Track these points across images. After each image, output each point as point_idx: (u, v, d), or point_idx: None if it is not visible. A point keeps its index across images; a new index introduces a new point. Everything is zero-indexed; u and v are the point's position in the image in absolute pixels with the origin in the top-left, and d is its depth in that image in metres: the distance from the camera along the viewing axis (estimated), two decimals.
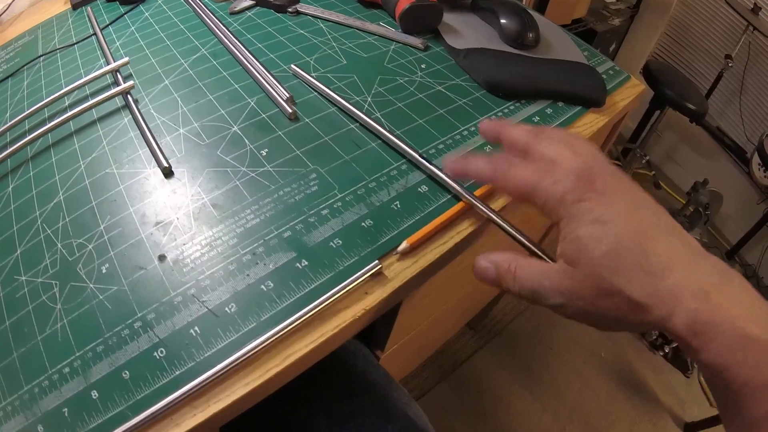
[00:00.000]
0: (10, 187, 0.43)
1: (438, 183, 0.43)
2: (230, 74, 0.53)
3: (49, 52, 0.59)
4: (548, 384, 1.28)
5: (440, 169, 0.43)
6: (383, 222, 0.40)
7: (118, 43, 0.58)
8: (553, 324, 1.41)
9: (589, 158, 0.28)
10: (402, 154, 0.45)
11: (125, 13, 0.64)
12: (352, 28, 0.62)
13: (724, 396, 0.23)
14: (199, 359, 0.31)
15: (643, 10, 1.87)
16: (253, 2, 0.65)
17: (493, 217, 0.39)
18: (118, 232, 0.38)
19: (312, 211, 0.40)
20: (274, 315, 0.33)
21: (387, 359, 0.59)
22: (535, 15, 0.63)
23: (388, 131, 0.46)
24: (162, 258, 0.36)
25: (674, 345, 1.37)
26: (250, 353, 0.31)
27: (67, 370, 0.31)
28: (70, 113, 0.47)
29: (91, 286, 0.35)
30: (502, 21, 0.60)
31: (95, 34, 0.60)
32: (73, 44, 0.60)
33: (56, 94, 0.50)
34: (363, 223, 0.39)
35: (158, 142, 0.44)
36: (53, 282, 0.35)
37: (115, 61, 0.53)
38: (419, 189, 0.42)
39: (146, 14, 0.64)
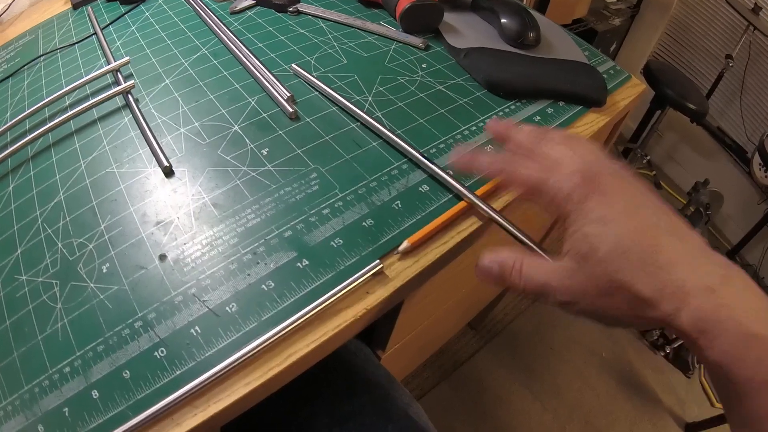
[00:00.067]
0: (11, 186, 0.43)
1: (439, 182, 0.43)
2: (231, 74, 0.53)
3: (49, 52, 0.59)
4: (548, 383, 1.28)
5: (441, 169, 0.43)
6: (384, 221, 0.39)
7: (118, 43, 0.58)
8: (553, 324, 1.41)
9: (592, 158, 0.29)
10: (403, 154, 0.45)
11: (126, 13, 0.64)
12: (352, 27, 0.62)
13: (729, 393, 0.23)
14: (199, 359, 0.31)
15: (644, 10, 1.87)
16: (254, 2, 0.65)
17: (495, 216, 0.39)
18: (119, 232, 0.38)
19: (313, 211, 0.40)
20: (275, 314, 0.33)
21: (388, 359, 0.59)
22: (536, 14, 0.63)
23: (388, 130, 0.46)
24: (163, 257, 0.36)
25: (675, 345, 1.37)
26: (251, 353, 0.31)
27: (67, 369, 0.31)
28: (70, 113, 0.47)
29: (92, 285, 0.35)
30: (503, 20, 0.60)
31: (96, 33, 0.60)
32: (74, 44, 0.60)
33: (57, 94, 0.50)
34: (364, 223, 0.39)
35: (159, 142, 0.44)
36: (54, 281, 0.35)
37: (115, 61, 0.53)
38: (420, 188, 0.42)
39: (147, 14, 0.64)
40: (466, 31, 0.62)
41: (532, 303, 1.44)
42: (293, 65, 0.53)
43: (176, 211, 0.39)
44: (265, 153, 0.44)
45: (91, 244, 0.37)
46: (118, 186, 0.41)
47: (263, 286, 0.35)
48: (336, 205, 0.40)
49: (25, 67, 0.58)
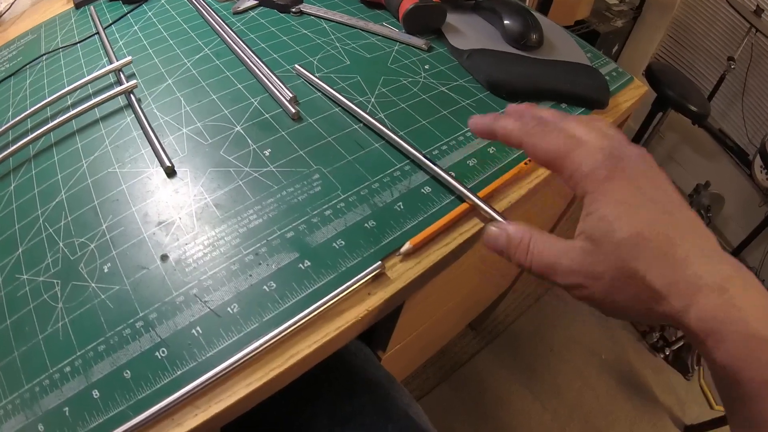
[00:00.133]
0: (12, 185, 0.43)
1: (441, 184, 0.43)
2: (233, 74, 0.53)
3: (51, 51, 0.59)
4: (549, 383, 1.28)
5: (444, 170, 0.42)
6: (386, 223, 0.39)
7: (120, 43, 0.58)
8: (554, 324, 1.41)
9: (617, 140, 0.27)
10: (405, 155, 0.45)
11: (128, 13, 0.64)
12: (355, 28, 0.62)
13: (733, 394, 0.23)
14: (200, 359, 0.31)
15: (646, 12, 1.86)
16: (257, 2, 0.65)
17: (497, 218, 0.39)
18: (120, 232, 0.38)
19: (315, 212, 0.40)
20: (276, 315, 0.33)
21: (388, 359, 0.59)
22: (538, 16, 0.63)
23: (391, 132, 0.46)
24: (164, 258, 0.36)
25: (675, 347, 1.37)
26: (253, 353, 0.31)
27: (68, 369, 0.31)
28: (72, 112, 0.47)
29: (93, 285, 0.35)
30: (506, 22, 0.60)
31: (98, 33, 0.60)
32: (76, 43, 0.60)
33: (59, 93, 0.50)
34: (366, 224, 0.39)
35: (161, 142, 0.44)
36: (55, 281, 0.35)
37: (117, 61, 0.53)
38: (422, 190, 0.42)
39: (149, 13, 0.64)
40: (469, 32, 0.62)
41: (535, 302, 1.44)
42: (296, 66, 0.53)
43: (178, 212, 0.39)
44: (268, 154, 0.44)
45: (92, 243, 0.37)
46: (120, 186, 0.41)
47: (265, 286, 0.35)
48: (338, 206, 0.40)
49: (27, 66, 0.58)
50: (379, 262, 0.36)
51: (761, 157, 1.33)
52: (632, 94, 0.59)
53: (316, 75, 0.52)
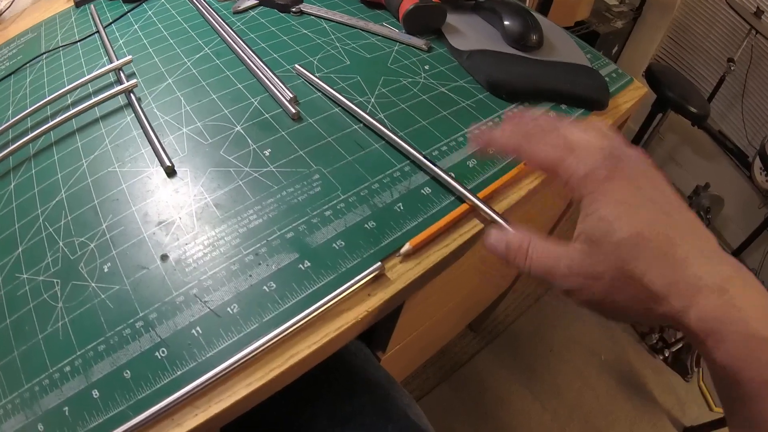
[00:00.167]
0: (12, 184, 0.43)
1: (441, 185, 0.43)
2: (233, 74, 0.53)
3: (51, 50, 0.59)
4: (549, 384, 1.28)
5: (444, 171, 0.43)
6: (386, 224, 0.39)
7: (121, 42, 0.58)
8: (554, 324, 1.41)
9: (616, 140, 0.27)
10: (405, 156, 0.45)
11: (128, 12, 0.64)
12: (355, 28, 0.62)
13: (733, 394, 0.23)
14: (200, 359, 0.31)
15: (646, 13, 1.86)
16: (257, 1, 0.65)
17: (497, 218, 0.39)
18: (120, 231, 0.38)
19: (315, 212, 0.40)
20: (276, 316, 0.33)
21: (388, 360, 0.59)
22: (538, 17, 0.63)
23: (391, 132, 0.46)
24: (164, 257, 0.36)
25: (674, 349, 1.37)
26: (252, 354, 0.31)
27: (68, 368, 0.31)
28: (72, 111, 0.47)
29: (93, 285, 0.35)
30: (506, 23, 0.60)
31: (98, 32, 0.60)
32: (76, 42, 0.60)
33: (59, 92, 0.50)
34: (366, 225, 0.39)
35: (161, 141, 0.44)
36: (55, 280, 0.35)
37: (118, 60, 0.53)
38: (422, 191, 0.42)
39: (149, 12, 0.64)
40: (469, 32, 0.62)
41: (535, 302, 1.44)
42: (296, 66, 0.53)
43: (178, 211, 0.39)
44: (268, 154, 0.44)
45: (92, 243, 0.37)
46: (120, 185, 0.41)
47: (265, 287, 0.35)
48: (338, 207, 0.40)
49: (28, 64, 0.58)
50: (379, 262, 0.36)
51: (761, 158, 1.33)
52: (632, 95, 0.59)
53: (316, 75, 0.52)
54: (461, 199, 0.42)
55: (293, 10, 0.64)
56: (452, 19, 0.63)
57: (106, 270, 0.36)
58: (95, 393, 0.30)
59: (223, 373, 0.30)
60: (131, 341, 0.32)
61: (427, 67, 0.57)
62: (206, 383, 0.30)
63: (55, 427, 0.29)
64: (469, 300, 0.85)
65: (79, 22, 0.64)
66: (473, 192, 0.41)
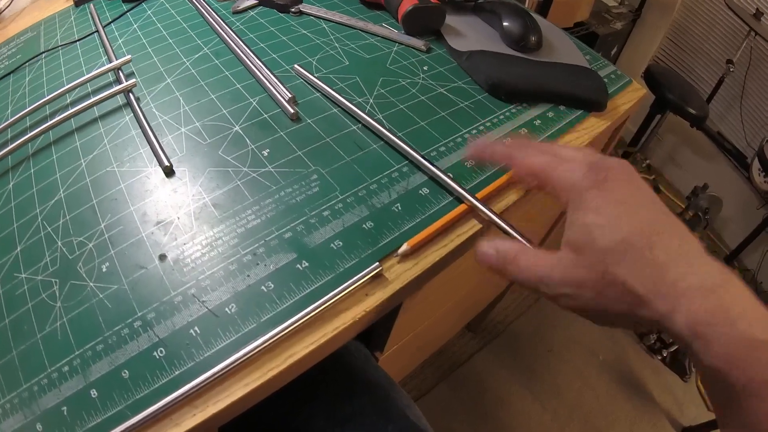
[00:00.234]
0: (11, 184, 0.43)
1: (439, 185, 0.43)
2: (232, 74, 0.53)
3: (51, 49, 0.59)
4: (548, 383, 1.28)
5: (442, 171, 0.43)
6: (384, 224, 0.40)
7: (120, 41, 0.58)
8: (553, 324, 1.41)
9: (600, 156, 0.29)
10: (404, 156, 0.45)
11: (128, 11, 0.64)
12: (354, 29, 0.62)
13: (722, 396, 0.23)
14: (198, 359, 0.31)
15: (645, 14, 1.87)
16: (256, 2, 0.65)
17: (495, 219, 0.39)
18: (119, 231, 0.38)
19: (313, 213, 0.40)
20: (274, 316, 0.33)
21: (386, 360, 0.59)
22: (538, 18, 0.63)
23: (390, 133, 0.46)
24: (162, 257, 0.36)
25: (672, 349, 1.37)
26: (250, 354, 0.31)
27: (66, 368, 0.31)
28: (71, 111, 0.47)
29: (91, 284, 0.35)
30: (505, 23, 0.60)
31: (97, 31, 0.60)
32: (76, 41, 0.60)
33: (58, 92, 0.50)
34: (364, 225, 0.39)
35: (159, 141, 0.44)
36: (53, 280, 0.35)
37: (117, 59, 0.53)
38: (420, 191, 0.42)
39: (149, 12, 0.64)
40: (468, 33, 0.62)
41: (535, 302, 1.44)
42: (295, 66, 0.53)
43: (176, 211, 0.39)
44: (266, 154, 0.44)
45: (90, 242, 0.37)
46: (119, 185, 0.41)
47: (263, 287, 0.35)
48: (336, 207, 0.40)
49: (27, 64, 0.57)
50: (377, 263, 0.37)
51: (759, 160, 1.33)
52: (631, 97, 0.59)
53: (315, 75, 0.52)
54: (459, 199, 0.42)
55: (292, 10, 0.64)
56: (451, 20, 0.63)
57: (104, 269, 0.36)
58: (93, 393, 0.30)
59: (221, 373, 0.30)
60: (129, 341, 0.32)
61: (426, 68, 0.57)
62: (204, 383, 0.30)
63: (53, 427, 0.29)
64: (467, 300, 0.85)
65: (78, 22, 0.64)
66: (471, 192, 0.41)
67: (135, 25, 0.61)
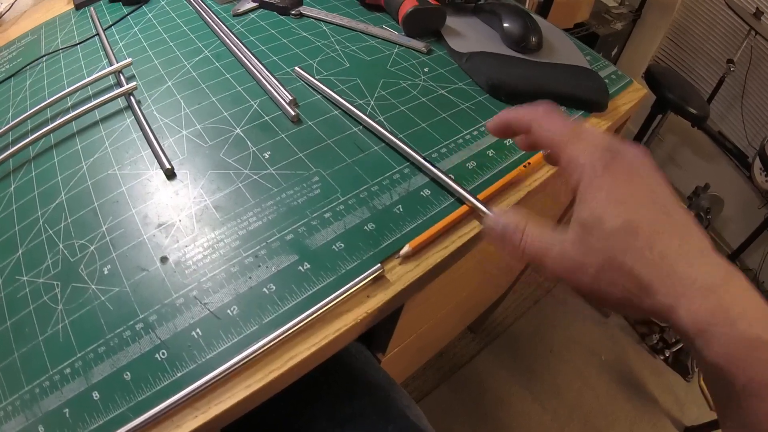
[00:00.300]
0: (12, 187, 0.43)
1: (441, 186, 0.43)
2: (233, 76, 0.53)
3: (51, 52, 0.59)
4: (548, 384, 1.28)
5: (443, 173, 0.43)
6: (385, 225, 0.40)
7: (121, 44, 0.59)
8: (553, 324, 1.41)
9: (616, 140, 0.28)
10: (405, 158, 0.45)
11: (128, 14, 0.64)
12: (355, 31, 0.62)
13: (725, 395, 0.23)
14: (200, 361, 0.31)
15: (646, 14, 1.87)
16: (257, 4, 0.65)
17: None
18: (120, 234, 0.38)
19: (314, 214, 0.40)
20: (275, 318, 0.33)
21: (388, 361, 0.59)
22: (538, 19, 0.63)
23: (391, 134, 0.46)
24: (164, 260, 0.36)
25: (674, 349, 1.37)
26: (252, 356, 0.31)
27: (68, 370, 0.31)
28: (72, 114, 0.48)
29: (93, 287, 0.35)
30: (505, 25, 0.60)
31: (98, 34, 0.60)
32: (76, 44, 0.60)
33: (59, 95, 0.50)
34: (365, 227, 0.39)
35: (161, 144, 0.44)
36: (55, 282, 0.35)
37: (118, 62, 0.53)
38: (422, 193, 0.42)
39: (149, 15, 0.64)
40: (469, 35, 0.62)
41: (535, 304, 1.44)
42: (296, 68, 0.54)
43: (178, 214, 0.40)
44: (267, 156, 0.44)
45: (92, 245, 0.37)
46: (120, 188, 0.42)
47: (264, 289, 0.35)
48: (337, 209, 0.40)
49: (27, 67, 0.58)
50: (379, 264, 0.37)
51: (761, 159, 1.33)
52: (631, 97, 0.59)
53: (316, 77, 0.52)
54: (461, 200, 0.42)
55: (293, 12, 0.64)
56: (452, 21, 0.63)
57: (106, 272, 0.36)
58: (95, 395, 0.30)
59: (223, 374, 0.30)
60: (131, 343, 0.32)
61: (426, 70, 0.57)
62: (206, 385, 0.30)
63: (55, 429, 0.29)
64: (468, 301, 0.85)
65: (79, 25, 0.64)
66: (473, 193, 0.41)
67: (135, 28, 0.61)
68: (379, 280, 0.37)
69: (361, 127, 0.48)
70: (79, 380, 0.30)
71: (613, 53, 1.88)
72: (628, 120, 0.63)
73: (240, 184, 0.42)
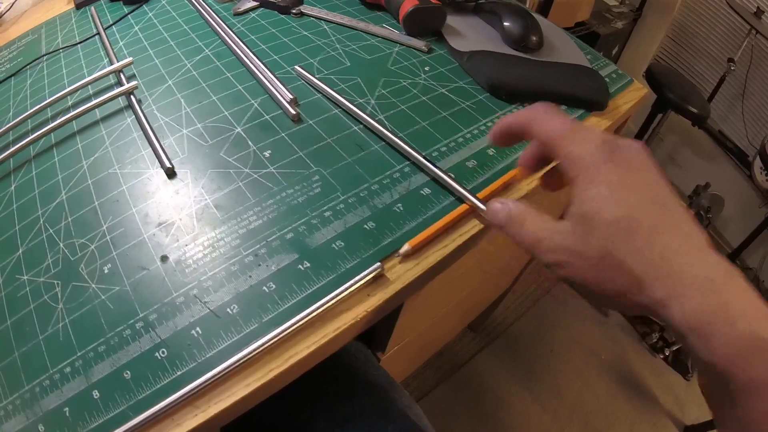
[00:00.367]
0: (13, 186, 0.43)
1: (441, 185, 0.43)
2: (234, 75, 0.53)
3: (52, 52, 0.59)
4: (548, 384, 1.28)
5: (443, 171, 0.43)
6: (385, 224, 0.40)
7: (121, 43, 0.59)
8: (553, 324, 1.41)
9: (616, 135, 0.28)
10: (405, 156, 0.45)
11: (129, 13, 0.64)
12: (355, 30, 0.62)
13: (721, 396, 0.23)
14: (200, 360, 0.31)
15: (646, 13, 1.87)
16: (257, 3, 0.65)
17: None
18: (121, 233, 0.38)
19: (314, 213, 0.40)
20: (275, 316, 0.33)
21: (388, 361, 0.59)
22: (538, 18, 0.63)
23: (391, 133, 0.46)
24: (164, 258, 0.36)
25: (674, 348, 1.37)
26: (252, 354, 0.31)
27: (68, 369, 0.31)
28: (73, 113, 0.48)
29: (93, 286, 0.35)
30: (506, 24, 0.60)
31: (98, 33, 0.60)
32: (77, 44, 0.60)
33: (59, 94, 0.50)
34: (365, 225, 0.39)
35: (161, 143, 0.44)
36: (55, 282, 0.36)
37: (118, 61, 0.53)
38: (422, 191, 0.42)
39: (150, 14, 0.64)
40: (469, 34, 0.62)
41: (535, 303, 1.44)
42: (296, 67, 0.54)
43: (178, 213, 0.40)
44: (268, 155, 0.44)
45: (92, 244, 0.37)
46: (120, 187, 0.42)
47: (264, 287, 0.35)
48: (338, 208, 0.40)
49: (28, 66, 0.58)
50: (379, 263, 0.37)
51: (761, 158, 1.33)
52: (632, 96, 0.59)
53: (317, 76, 0.52)
54: (461, 199, 0.42)
55: (293, 11, 0.64)
56: (452, 20, 0.63)
57: (106, 271, 0.36)
58: (95, 394, 0.30)
59: (223, 373, 0.30)
60: (131, 342, 0.32)
61: (427, 69, 0.57)
62: (206, 383, 0.30)
63: (55, 428, 0.29)
64: (469, 301, 0.85)
65: (79, 24, 0.64)
66: (473, 192, 0.41)
67: (136, 27, 0.61)
68: (378, 278, 0.37)
69: (361, 125, 0.48)
70: (79, 379, 0.31)
71: (614, 52, 1.88)
72: (629, 119, 0.62)
73: (240, 183, 0.42)
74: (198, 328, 0.33)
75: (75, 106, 0.50)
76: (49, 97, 0.49)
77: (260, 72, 0.52)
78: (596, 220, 0.25)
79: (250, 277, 0.35)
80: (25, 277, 0.36)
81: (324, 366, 0.35)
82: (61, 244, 0.38)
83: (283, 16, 0.64)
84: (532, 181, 0.45)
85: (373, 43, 0.60)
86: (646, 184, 0.26)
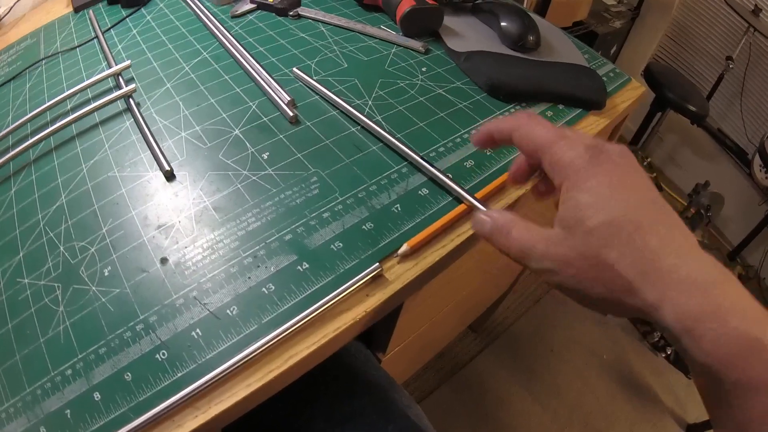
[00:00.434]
0: (13, 190, 0.43)
1: (439, 186, 0.43)
2: (232, 78, 0.53)
3: (51, 56, 0.59)
4: (549, 384, 1.28)
5: (441, 172, 0.43)
6: (384, 225, 0.40)
7: (119, 47, 0.59)
8: (554, 324, 1.41)
9: (599, 139, 0.28)
10: (403, 157, 0.45)
11: (127, 17, 0.64)
12: (353, 31, 0.62)
13: (716, 396, 0.23)
14: (200, 361, 0.31)
15: (644, 13, 1.87)
16: (255, 5, 0.65)
17: None
18: (121, 235, 0.38)
19: (313, 214, 0.40)
20: (275, 317, 0.34)
21: (388, 361, 0.59)
22: (536, 18, 0.63)
23: (389, 134, 0.46)
24: (164, 261, 0.37)
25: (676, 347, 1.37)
26: (252, 355, 0.31)
27: (69, 372, 0.31)
28: (72, 116, 0.48)
29: (94, 288, 0.35)
30: (503, 24, 0.60)
31: (97, 37, 0.60)
32: (75, 47, 0.60)
33: (58, 98, 0.50)
34: (364, 226, 0.39)
35: (160, 146, 0.44)
36: (56, 284, 0.36)
37: (116, 65, 0.53)
38: (420, 192, 0.43)
39: (148, 17, 0.64)
40: (467, 34, 0.62)
41: (535, 303, 1.44)
42: (294, 69, 0.54)
43: (177, 215, 0.40)
44: (266, 157, 0.45)
45: (92, 247, 0.38)
46: (120, 190, 0.42)
47: (264, 289, 0.35)
48: (336, 209, 0.41)
49: (27, 70, 0.58)
50: (377, 263, 0.37)
51: (760, 156, 1.33)
52: (630, 95, 0.59)
53: (314, 78, 0.53)
54: (459, 199, 0.42)
55: (291, 13, 0.64)
56: (449, 21, 0.63)
57: (106, 273, 0.36)
58: (96, 395, 0.30)
59: (223, 374, 0.31)
60: (132, 344, 0.32)
61: (424, 69, 0.57)
62: (206, 385, 0.30)
63: (57, 430, 0.29)
64: (468, 301, 0.85)
65: (77, 28, 0.64)
66: (471, 192, 0.41)
67: (134, 31, 0.61)
68: (377, 279, 0.37)
69: (359, 127, 0.48)
70: (80, 381, 0.31)
71: (612, 52, 1.88)
72: (627, 118, 0.63)
73: (239, 185, 0.42)
74: (198, 330, 0.33)
75: (74, 109, 0.50)
76: (48, 101, 0.50)
77: (258, 74, 0.52)
78: (584, 226, 0.25)
79: (250, 278, 0.36)
80: (26, 281, 0.36)
81: (324, 366, 0.35)
82: (62, 247, 0.38)
83: (280, 18, 0.64)
84: (531, 181, 0.45)
85: (370, 44, 0.60)
86: (632, 187, 0.26)
